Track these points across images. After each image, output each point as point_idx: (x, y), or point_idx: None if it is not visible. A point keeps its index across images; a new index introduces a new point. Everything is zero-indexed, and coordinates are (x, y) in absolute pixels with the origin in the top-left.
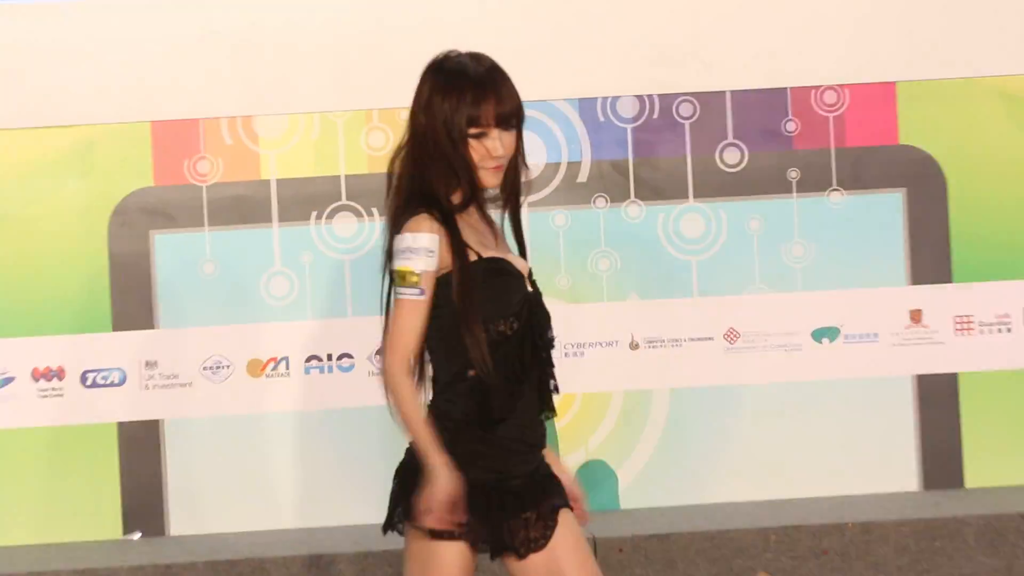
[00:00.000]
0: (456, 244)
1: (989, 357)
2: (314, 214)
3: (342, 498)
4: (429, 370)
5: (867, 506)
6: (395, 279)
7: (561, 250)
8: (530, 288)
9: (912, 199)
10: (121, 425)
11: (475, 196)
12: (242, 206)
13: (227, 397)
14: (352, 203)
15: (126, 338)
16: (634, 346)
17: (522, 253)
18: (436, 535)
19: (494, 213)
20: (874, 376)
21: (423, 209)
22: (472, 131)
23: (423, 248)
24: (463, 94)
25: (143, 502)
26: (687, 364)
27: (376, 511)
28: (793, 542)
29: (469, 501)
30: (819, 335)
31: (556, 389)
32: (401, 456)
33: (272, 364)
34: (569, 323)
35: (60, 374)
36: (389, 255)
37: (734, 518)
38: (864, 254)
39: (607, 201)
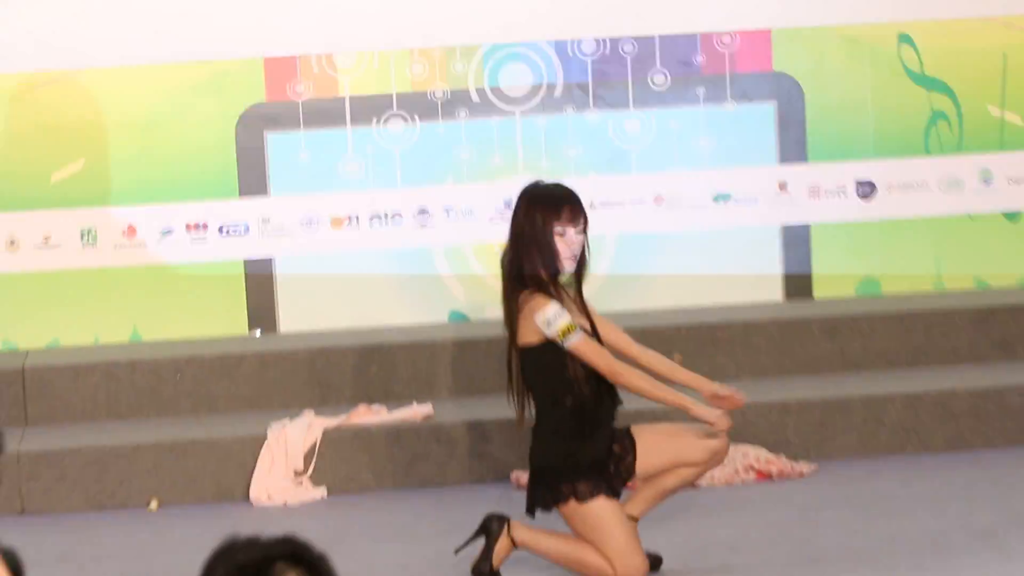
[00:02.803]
0: None
1: (831, 213)
2: (374, 119)
3: (392, 304)
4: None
5: (749, 310)
6: (563, 339)
7: (543, 144)
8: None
9: (781, 108)
10: (247, 262)
11: (556, 275)
12: (326, 114)
13: (317, 242)
14: (401, 112)
15: (249, 202)
16: (592, 207)
17: (583, 311)
18: (588, 499)
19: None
20: (755, 226)
21: (534, 290)
22: (557, 230)
23: (558, 310)
24: (551, 207)
25: (261, 310)
26: (628, 219)
27: (413, 313)
28: (697, 334)
29: (592, 474)
30: (718, 199)
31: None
32: None
33: (347, 220)
34: None
35: (204, 227)
36: (509, 318)
37: (660, 318)
38: (748, 144)
39: (574, 109)
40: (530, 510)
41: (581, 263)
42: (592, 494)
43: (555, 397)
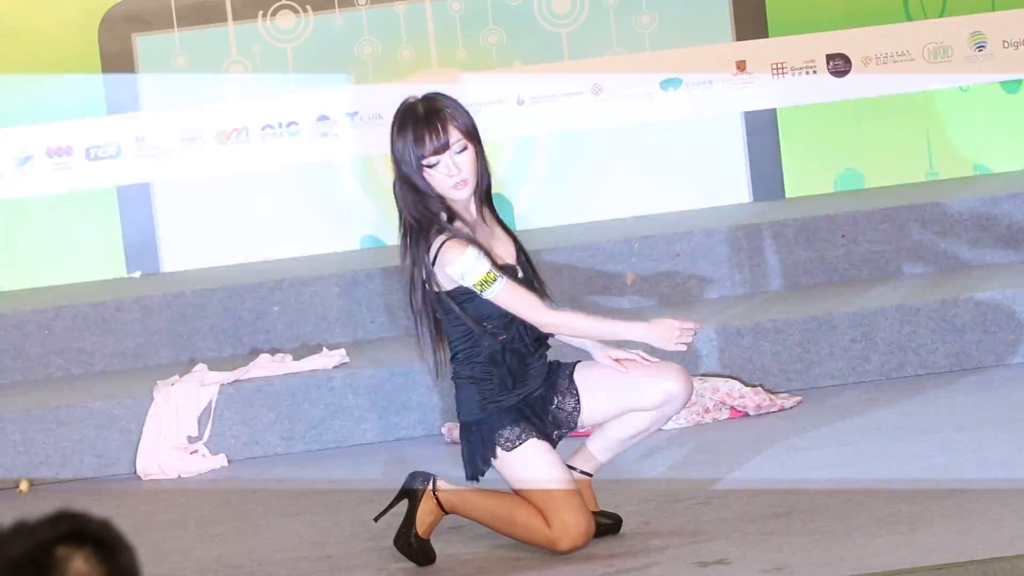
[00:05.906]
0: None
1: (799, 94)
2: (260, 13)
3: (293, 231)
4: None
5: (710, 216)
6: (482, 290)
7: (458, 29)
8: (520, 272)
9: None
10: (120, 190)
11: (451, 212)
12: (203, 10)
13: (201, 161)
14: (290, 2)
15: (119, 120)
16: (520, 103)
17: (507, 231)
18: (516, 446)
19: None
20: (711, 115)
21: (441, 235)
22: (424, 163)
23: (474, 257)
24: (407, 134)
25: (141, 247)
26: (563, 114)
27: (318, 241)
28: (652, 248)
29: (517, 417)
30: (665, 85)
31: (546, 344)
32: None
33: (235, 133)
34: (464, 88)
35: (69, 151)
36: (412, 265)
37: (605, 232)
38: (698, 19)
39: None
40: (471, 476)
41: (481, 181)
42: (519, 439)
43: (470, 342)
